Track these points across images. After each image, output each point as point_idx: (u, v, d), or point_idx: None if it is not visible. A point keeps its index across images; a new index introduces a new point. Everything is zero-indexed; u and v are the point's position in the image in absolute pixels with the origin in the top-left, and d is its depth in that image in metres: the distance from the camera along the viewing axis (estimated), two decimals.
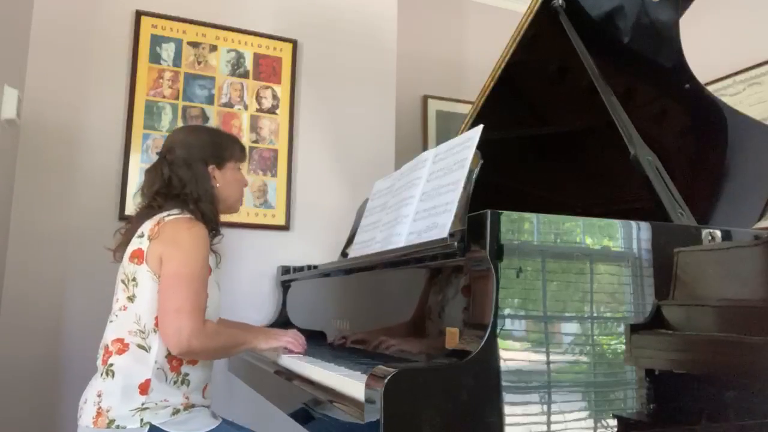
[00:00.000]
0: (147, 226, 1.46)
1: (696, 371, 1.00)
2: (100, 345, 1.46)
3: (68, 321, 2.07)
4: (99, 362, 1.44)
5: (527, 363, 1.00)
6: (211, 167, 1.57)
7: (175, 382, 1.41)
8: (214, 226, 1.55)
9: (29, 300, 2.02)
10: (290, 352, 1.59)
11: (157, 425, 1.35)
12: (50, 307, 2.06)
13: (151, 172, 1.56)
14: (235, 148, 1.65)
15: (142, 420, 1.34)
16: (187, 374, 1.43)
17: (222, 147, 1.61)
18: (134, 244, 1.46)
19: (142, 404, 1.35)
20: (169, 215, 1.46)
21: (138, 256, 1.43)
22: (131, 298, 1.42)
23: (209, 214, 1.52)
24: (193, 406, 1.43)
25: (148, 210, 1.51)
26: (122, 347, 1.39)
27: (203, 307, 1.40)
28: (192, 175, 1.52)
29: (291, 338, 1.59)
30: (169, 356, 1.40)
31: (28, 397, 1.99)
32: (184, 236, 1.42)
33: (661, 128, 1.87)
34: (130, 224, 1.54)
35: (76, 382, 1.57)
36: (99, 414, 1.35)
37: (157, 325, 1.40)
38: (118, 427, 1.33)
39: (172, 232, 1.42)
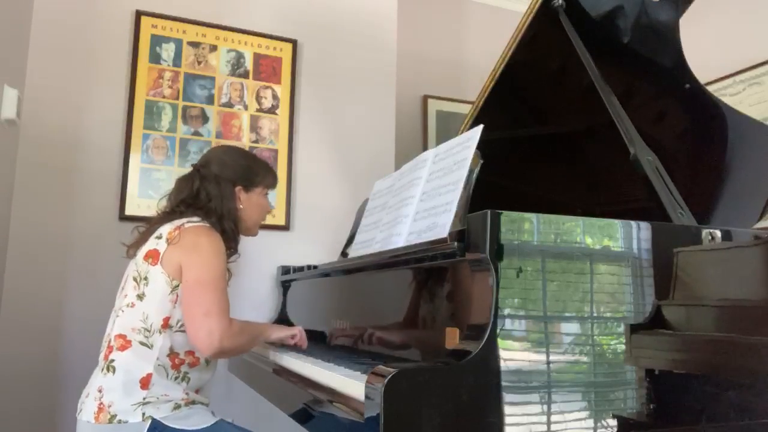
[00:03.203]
0: (166, 229, 1.48)
1: (696, 371, 1.00)
2: (103, 337, 1.48)
3: (68, 320, 2.07)
4: (101, 356, 1.45)
5: (527, 363, 1.00)
6: (238, 188, 1.63)
7: (176, 378, 1.43)
8: (232, 245, 1.60)
9: (29, 299, 2.02)
10: (295, 345, 1.66)
11: (159, 419, 1.36)
12: (50, 306, 2.06)
13: (182, 181, 1.62)
14: (267, 176, 1.72)
15: (143, 414, 1.35)
16: (187, 373, 1.46)
17: (254, 172, 1.68)
18: (151, 244, 1.48)
19: (144, 398, 1.36)
20: (189, 221, 1.49)
21: (153, 257, 1.45)
22: (141, 296, 1.44)
23: (229, 233, 1.57)
24: (193, 402, 1.45)
25: (169, 215, 1.55)
26: (124, 343, 1.41)
27: (228, 308, 1.44)
28: (219, 193, 1.58)
29: (298, 332, 1.67)
30: (171, 355, 1.42)
31: (29, 395, 1.99)
32: (203, 243, 1.46)
33: (661, 128, 1.87)
34: (149, 224, 1.57)
35: (76, 380, 1.57)
36: (100, 409, 1.35)
37: (164, 326, 1.42)
38: (119, 421, 1.34)
39: (192, 238, 1.46)
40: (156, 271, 1.44)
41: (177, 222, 1.49)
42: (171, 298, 1.43)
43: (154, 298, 1.43)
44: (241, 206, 1.63)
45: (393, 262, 1.40)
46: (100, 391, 1.38)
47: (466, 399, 0.94)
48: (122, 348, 1.40)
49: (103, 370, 1.41)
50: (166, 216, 1.55)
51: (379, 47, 2.71)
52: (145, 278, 1.45)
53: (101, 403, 1.36)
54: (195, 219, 1.51)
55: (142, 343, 1.40)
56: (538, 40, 1.77)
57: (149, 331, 1.41)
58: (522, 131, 2.05)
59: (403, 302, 1.35)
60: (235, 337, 1.43)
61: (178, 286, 1.43)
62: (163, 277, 1.43)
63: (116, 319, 1.46)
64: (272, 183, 1.74)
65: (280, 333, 1.66)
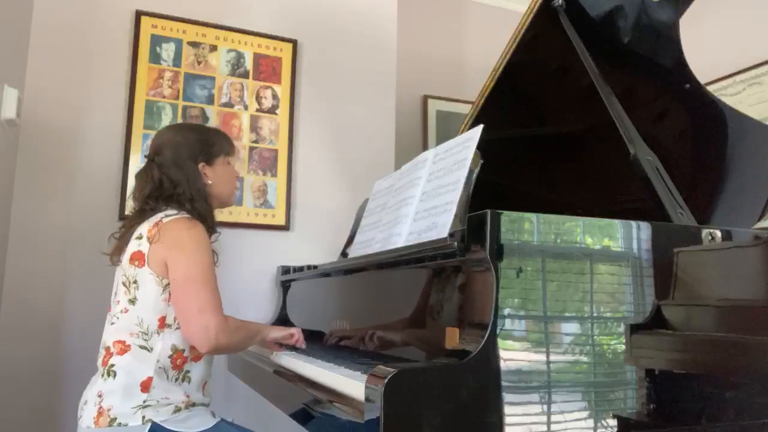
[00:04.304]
0: (145, 228, 1.45)
1: (696, 371, 1.00)
2: (99, 346, 1.47)
3: (68, 320, 2.07)
4: (99, 363, 1.44)
5: (527, 363, 1.00)
6: (201, 165, 1.56)
7: (176, 380, 1.42)
8: (210, 224, 1.55)
9: (29, 299, 2.02)
10: (293, 346, 1.65)
11: (159, 423, 1.35)
12: (50, 307, 2.06)
13: (141, 176, 1.56)
14: (224, 143, 1.64)
15: (143, 417, 1.34)
16: (188, 371, 1.44)
17: (210, 143, 1.60)
18: (133, 246, 1.45)
19: (144, 402, 1.36)
20: (166, 216, 1.46)
21: (139, 259, 1.43)
22: (132, 301, 1.42)
23: (204, 213, 1.53)
24: (193, 404, 1.44)
25: (141, 213, 1.51)
26: (123, 348, 1.40)
27: (221, 303, 1.42)
28: (183, 175, 1.52)
29: (297, 332, 1.66)
30: (173, 356, 1.41)
31: (28, 396, 1.99)
32: (185, 238, 1.42)
33: (661, 128, 1.87)
34: (124, 228, 1.54)
35: (77, 381, 1.57)
36: (100, 413, 1.35)
37: (161, 326, 1.41)
38: (119, 425, 1.33)
39: (172, 234, 1.42)
40: (144, 272, 1.42)
41: (154, 218, 1.46)
42: (164, 297, 1.41)
43: (147, 301, 1.41)
44: (209, 182, 1.57)
45: (393, 262, 1.40)
46: (99, 395, 1.37)
47: (466, 399, 0.94)
48: (122, 352, 1.39)
49: (103, 375, 1.40)
50: (139, 215, 1.50)
51: (379, 47, 2.71)
52: (135, 282, 1.42)
53: (101, 408, 1.35)
54: (171, 212, 1.47)
55: (141, 347, 1.39)
56: (538, 40, 1.77)
57: (147, 334, 1.40)
58: (522, 131, 2.05)
59: (403, 302, 1.35)
60: (231, 333, 1.42)
61: (169, 284, 1.41)
62: (152, 277, 1.41)
63: (111, 326, 1.44)
64: (230, 149, 1.66)
65: (278, 333, 1.64)
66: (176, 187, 1.51)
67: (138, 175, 1.57)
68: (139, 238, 1.45)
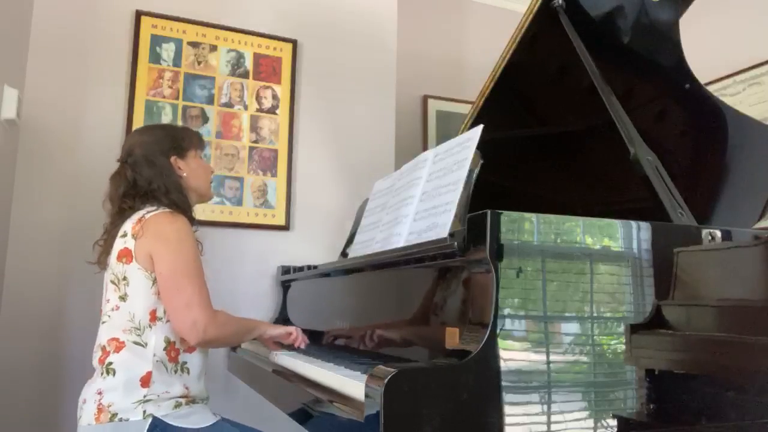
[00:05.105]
0: (128, 225, 1.46)
1: (696, 371, 1.00)
2: (94, 346, 1.47)
3: (68, 320, 2.07)
4: (95, 362, 1.44)
5: (527, 363, 1.00)
6: (173, 158, 1.57)
7: (175, 371, 1.43)
8: (188, 216, 1.55)
9: (29, 299, 2.02)
10: (294, 345, 1.64)
11: (160, 417, 1.35)
12: (50, 307, 2.06)
13: (114, 178, 1.57)
14: (193, 137, 1.66)
15: (144, 412, 1.35)
16: (185, 362, 1.45)
17: (179, 138, 1.62)
18: (119, 244, 1.46)
19: (144, 396, 1.36)
20: (148, 212, 1.46)
21: (126, 256, 1.43)
22: (123, 297, 1.43)
23: (182, 204, 1.54)
24: (193, 400, 1.45)
25: (120, 213, 1.51)
26: (119, 345, 1.40)
27: (208, 295, 1.43)
28: (156, 170, 1.53)
29: (294, 331, 1.65)
30: (167, 348, 1.42)
31: (28, 395, 1.99)
32: (168, 231, 1.43)
33: (661, 128, 1.87)
34: (106, 233, 1.54)
35: (77, 380, 1.57)
36: (100, 410, 1.35)
37: (152, 320, 1.42)
38: (120, 420, 1.34)
39: (155, 228, 1.43)
40: (132, 268, 1.42)
41: (136, 216, 1.46)
42: (154, 291, 1.42)
43: (137, 296, 1.42)
44: (184, 174, 1.58)
45: (393, 262, 1.40)
46: (99, 393, 1.37)
47: (466, 399, 0.94)
48: (117, 349, 1.40)
49: (102, 374, 1.40)
50: (119, 216, 1.51)
51: (379, 47, 2.71)
52: (124, 278, 1.43)
53: (101, 405, 1.36)
54: (152, 208, 1.48)
55: (136, 343, 1.40)
56: (538, 40, 1.77)
57: (140, 330, 1.41)
58: (522, 131, 2.05)
59: (402, 302, 1.35)
60: (220, 327, 1.43)
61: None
62: (141, 272, 1.42)
63: (103, 324, 1.45)
64: (200, 143, 1.67)
65: (275, 331, 1.64)
66: (150, 183, 1.52)
67: (112, 178, 1.58)
68: (124, 236, 1.46)
